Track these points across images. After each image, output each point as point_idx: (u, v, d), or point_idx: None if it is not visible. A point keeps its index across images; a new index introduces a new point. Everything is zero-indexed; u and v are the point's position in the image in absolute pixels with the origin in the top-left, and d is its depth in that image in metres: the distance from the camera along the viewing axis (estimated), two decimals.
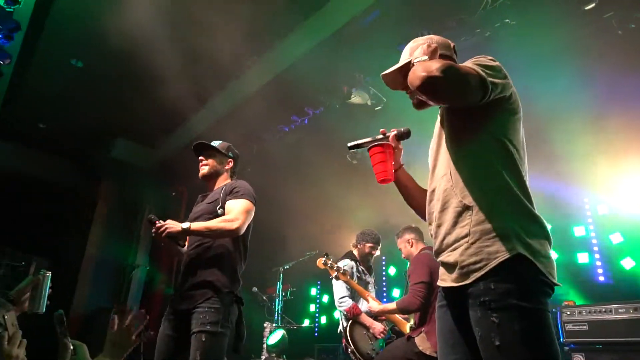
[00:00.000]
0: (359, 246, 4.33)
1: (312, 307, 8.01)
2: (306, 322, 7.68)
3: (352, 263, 4.17)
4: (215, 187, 2.81)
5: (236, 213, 2.50)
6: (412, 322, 3.55)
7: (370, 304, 3.73)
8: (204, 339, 2.34)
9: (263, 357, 6.26)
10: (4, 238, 8.73)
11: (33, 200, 9.12)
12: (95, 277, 8.21)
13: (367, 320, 3.86)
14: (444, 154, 1.56)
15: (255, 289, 6.77)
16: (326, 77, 5.54)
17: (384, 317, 3.89)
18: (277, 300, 6.74)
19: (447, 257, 1.45)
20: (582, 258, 5.08)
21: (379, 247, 4.30)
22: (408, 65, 1.61)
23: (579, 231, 5.19)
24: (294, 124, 6.53)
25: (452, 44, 1.79)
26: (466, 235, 1.39)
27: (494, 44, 4.57)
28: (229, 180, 2.83)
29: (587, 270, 5.02)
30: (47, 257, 9.06)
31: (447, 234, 1.46)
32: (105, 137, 8.21)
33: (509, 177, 1.43)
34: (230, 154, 2.91)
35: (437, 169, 1.60)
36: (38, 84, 6.67)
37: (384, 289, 7.03)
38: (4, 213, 8.89)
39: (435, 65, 1.34)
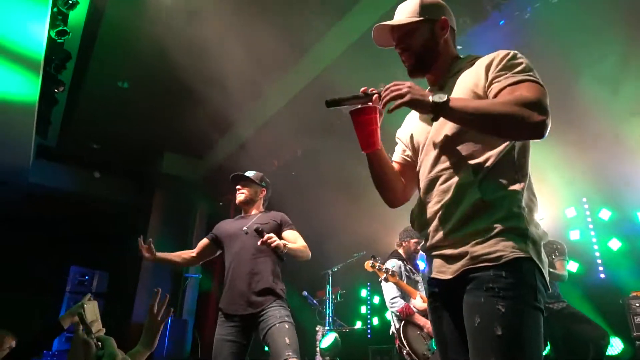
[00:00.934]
0: (403, 244, 4.24)
1: (363, 309, 7.93)
2: (358, 324, 7.62)
3: (399, 262, 4.09)
4: (251, 212, 3.17)
5: (302, 242, 3.04)
6: None
7: (414, 301, 3.63)
8: (287, 327, 2.68)
9: None
10: (69, 256, 9.29)
11: (92, 218, 9.67)
12: (152, 287, 8.53)
13: (420, 319, 3.77)
14: (458, 146, 1.42)
15: (305, 292, 6.80)
16: (359, 80, 5.50)
17: None
18: (327, 303, 6.72)
19: (452, 250, 1.37)
20: None
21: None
22: (417, 24, 1.53)
23: None
24: (334, 124, 6.53)
25: None
26: (484, 230, 1.32)
27: (536, 25, 4.37)
28: (261, 208, 3.22)
29: None
30: (108, 270, 9.56)
31: (456, 228, 1.37)
32: (154, 152, 8.58)
33: (527, 180, 1.40)
34: (263, 183, 3.23)
35: (442, 158, 1.45)
36: (89, 107, 7.06)
37: None
38: (67, 232, 9.47)
39: (546, 108, 1.26)
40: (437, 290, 1.45)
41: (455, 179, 1.40)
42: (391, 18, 1.59)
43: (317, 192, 7.72)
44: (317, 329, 6.59)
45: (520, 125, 1.25)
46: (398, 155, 1.73)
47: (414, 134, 1.60)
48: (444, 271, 1.39)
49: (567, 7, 3.95)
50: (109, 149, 8.37)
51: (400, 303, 3.85)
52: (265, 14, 4.85)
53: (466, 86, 1.45)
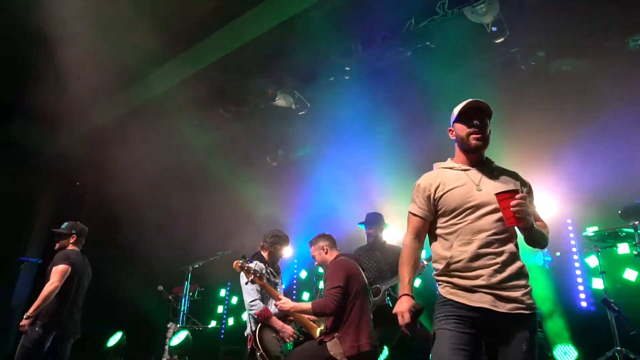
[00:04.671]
0: (270, 249, 4.29)
1: (220, 309, 7.86)
2: (213, 323, 7.51)
3: (262, 265, 4.14)
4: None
5: (53, 276, 3.97)
6: (322, 326, 3.61)
7: (283, 301, 3.70)
8: None
9: (164, 359, 6.02)
10: None
11: None
12: None
13: (277, 323, 3.86)
14: (504, 227, 2.01)
15: (160, 287, 6.48)
16: (253, 77, 5.51)
17: (292, 319, 3.91)
18: (183, 300, 6.51)
19: (509, 293, 1.94)
20: None
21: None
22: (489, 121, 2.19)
23: None
24: (215, 121, 6.39)
25: None
26: (524, 286, 1.99)
27: (414, 64, 4.86)
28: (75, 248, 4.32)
29: None
30: None
31: (508, 280, 1.96)
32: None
33: None
34: (73, 231, 4.30)
35: (493, 229, 2.01)
36: None
37: (294, 291, 7.10)
38: None
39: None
40: (482, 317, 1.94)
41: (507, 248, 2.01)
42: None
43: (185, 186, 7.48)
44: (168, 326, 6.33)
45: (546, 244, 2.13)
46: (424, 213, 2.17)
47: (456, 197, 2.07)
48: (497, 306, 1.92)
49: (442, 54, 4.49)
50: None
51: (259, 306, 3.89)
52: None
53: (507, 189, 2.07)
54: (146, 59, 5.72)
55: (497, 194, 1.96)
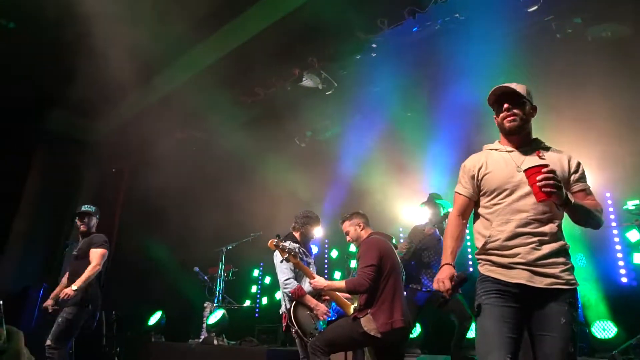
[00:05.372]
0: (302, 230, 4.34)
1: (254, 288, 8.04)
2: (247, 303, 7.71)
3: (295, 245, 4.20)
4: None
5: (95, 259, 4.21)
6: (356, 303, 3.65)
7: (317, 279, 3.75)
8: (59, 320, 4.07)
9: (202, 337, 6.23)
10: None
11: None
12: (24, 255, 7.75)
13: (311, 301, 3.92)
14: (543, 205, 2.01)
15: (196, 268, 6.70)
16: (279, 58, 5.49)
17: (327, 298, 3.97)
18: (218, 280, 6.70)
19: (541, 269, 1.98)
20: None
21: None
22: (526, 100, 2.15)
23: None
24: (244, 104, 6.42)
25: None
26: (564, 264, 2.01)
27: (443, 37, 4.73)
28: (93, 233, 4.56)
29: None
30: None
31: (546, 257, 1.99)
32: (40, 106, 7.66)
33: None
34: (98, 215, 4.58)
35: (533, 209, 2.03)
36: None
37: (326, 270, 7.18)
38: None
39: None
40: (520, 292, 1.98)
41: (547, 228, 2.03)
42: None
43: (218, 169, 7.59)
44: (205, 305, 6.54)
45: (599, 224, 2.07)
46: (469, 192, 2.25)
47: (497, 178, 2.14)
48: (534, 281, 1.97)
49: (472, 26, 4.34)
50: None
51: (293, 284, 3.96)
52: None
53: (554, 169, 2.02)
54: (173, 45, 5.79)
55: (524, 171, 1.97)
